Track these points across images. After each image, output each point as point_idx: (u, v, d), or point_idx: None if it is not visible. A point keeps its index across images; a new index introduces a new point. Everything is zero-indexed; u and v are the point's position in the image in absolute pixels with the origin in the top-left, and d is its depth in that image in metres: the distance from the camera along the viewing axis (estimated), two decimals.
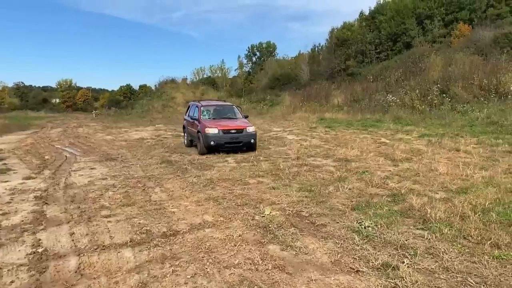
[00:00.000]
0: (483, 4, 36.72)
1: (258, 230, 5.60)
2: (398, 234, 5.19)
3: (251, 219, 6.11)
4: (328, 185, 8.08)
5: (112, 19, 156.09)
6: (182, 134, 16.65)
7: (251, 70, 74.19)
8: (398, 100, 23.08)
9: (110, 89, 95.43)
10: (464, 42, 34.21)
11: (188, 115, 15.54)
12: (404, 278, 3.96)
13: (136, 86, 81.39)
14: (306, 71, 53.32)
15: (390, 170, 9.44)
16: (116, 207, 7.03)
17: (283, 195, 7.42)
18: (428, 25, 41.45)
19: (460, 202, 6.29)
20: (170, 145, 15.81)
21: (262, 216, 6.18)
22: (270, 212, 6.30)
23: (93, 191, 8.24)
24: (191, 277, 4.24)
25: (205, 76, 68.75)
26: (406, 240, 4.97)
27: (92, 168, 11.03)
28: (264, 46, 75.48)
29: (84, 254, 4.92)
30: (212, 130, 12.81)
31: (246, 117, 14.86)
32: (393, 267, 4.22)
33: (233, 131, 13.03)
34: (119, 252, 4.99)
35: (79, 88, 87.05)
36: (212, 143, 12.69)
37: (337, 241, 5.09)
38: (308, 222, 5.92)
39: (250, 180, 8.91)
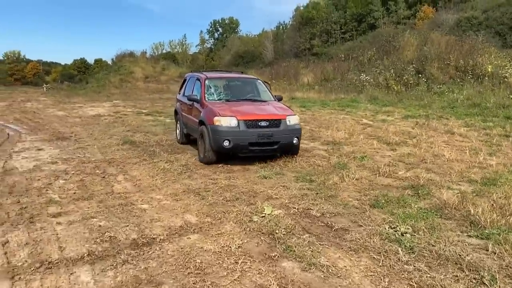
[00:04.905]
0: None
1: (261, 238, 4.24)
2: (450, 244, 3.96)
3: (248, 220, 4.72)
4: (328, 173, 6.79)
5: None
6: (174, 122, 11.08)
7: (213, 47, 72.13)
8: (372, 80, 22.17)
9: (63, 63, 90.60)
10: (428, 24, 33.87)
11: (183, 94, 10.29)
12: None
13: (91, 60, 77.81)
14: (270, 49, 52.04)
15: (389, 155, 8.33)
16: (68, 201, 5.47)
17: (280, 187, 6.06)
18: (393, 6, 40.92)
19: (500, 198, 5.18)
20: (132, 123, 13.99)
21: (262, 217, 4.81)
22: (272, 211, 4.93)
23: (39, 179, 6.57)
24: None
25: (164, 51, 66.08)
26: (468, 256, 3.73)
27: (39, 149, 9.22)
28: (226, 22, 73.37)
29: (20, 277, 3.44)
30: (226, 121, 7.56)
31: (279, 99, 9.29)
32: None
33: (263, 123, 7.70)
34: (72, 273, 3.52)
35: (28, 61, 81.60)
36: (226, 143, 7.43)
37: (374, 256, 3.79)
38: (323, 225, 4.61)
39: (234, 167, 7.49)
